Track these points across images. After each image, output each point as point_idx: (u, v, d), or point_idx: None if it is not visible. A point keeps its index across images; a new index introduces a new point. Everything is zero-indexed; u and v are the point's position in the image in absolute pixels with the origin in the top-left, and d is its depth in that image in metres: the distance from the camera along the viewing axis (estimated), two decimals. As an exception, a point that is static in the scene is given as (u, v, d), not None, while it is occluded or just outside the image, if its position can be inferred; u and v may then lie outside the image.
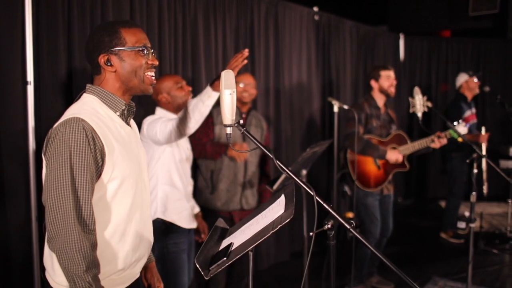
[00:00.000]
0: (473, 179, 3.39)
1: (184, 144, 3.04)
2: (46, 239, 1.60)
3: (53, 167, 1.56)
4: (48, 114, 2.82)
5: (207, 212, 3.51)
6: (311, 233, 1.54)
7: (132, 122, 1.92)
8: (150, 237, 1.91)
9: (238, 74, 3.63)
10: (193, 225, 3.03)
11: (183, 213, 2.95)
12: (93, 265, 1.57)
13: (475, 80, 5.32)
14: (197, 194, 3.60)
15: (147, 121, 2.85)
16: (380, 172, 3.97)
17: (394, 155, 3.88)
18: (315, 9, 5.22)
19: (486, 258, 4.82)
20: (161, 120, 2.74)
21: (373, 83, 4.02)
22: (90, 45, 1.74)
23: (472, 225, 3.40)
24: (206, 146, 3.41)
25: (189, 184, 3.10)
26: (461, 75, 5.45)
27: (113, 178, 1.67)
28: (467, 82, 5.34)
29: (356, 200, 3.98)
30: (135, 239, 1.77)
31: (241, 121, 1.70)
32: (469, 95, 5.37)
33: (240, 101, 3.60)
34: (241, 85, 3.56)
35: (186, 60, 3.75)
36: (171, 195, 2.89)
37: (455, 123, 3.76)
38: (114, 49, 1.72)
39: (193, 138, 3.39)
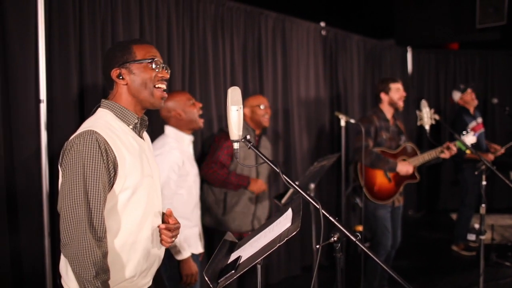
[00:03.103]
0: (482, 191, 3.38)
1: (193, 169, 2.98)
2: (60, 245, 1.66)
3: (68, 177, 1.65)
4: (60, 131, 2.87)
5: (217, 232, 3.51)
6: (317, 246, 1.56)
7: (145, 134, 1.99)
8: (161, 246, 1.95)
9: (253, 96, 3.68)
10: (201, 248, 3.01)
11: (195, 239, 2.94)
12: (103, 271, 1.63)
13: (469, 92, 5.34)
14: (206, 213, 3.56)
15: (160, 156, 2.80)
16: (391, 184, 3.98)
17: (405, 167, 3.88)
18: (322, 24, 5.26)
19: (498, 271, 4.77)
20: (171, 182, 2.76)
21: (383, 96, 4.04)
22: (105, 62, 1.85)
23: (482, 237, 3.39)
24: (230, 177, 3.39)
25: (199, 208, 3.07)
26: (454, 93, 5.51)
27: (125, 188, 1.74)
28: (462, 98, 5.38)
29: (367, 212, 3.99)
30: (146, 247, 1.82)
31: (248, 137, 1.74)
32: (470, 107, 5.39)
33: (258, 124, 3.64)
34: (261, 107, 3.60)
35: (195, 76, 3.80)
36: (187, 225, 2.87)
37: (464, 132, 3.76)
38: (125, 63, 1.81)
39: (214, 165, 3.37)
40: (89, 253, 1.60)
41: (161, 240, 1.92)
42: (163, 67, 1.86)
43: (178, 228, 1.95)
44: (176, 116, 2.93)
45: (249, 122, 3.63)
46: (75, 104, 2.99)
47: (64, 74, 2.93)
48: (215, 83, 3.98)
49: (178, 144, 2.89)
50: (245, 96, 3.68)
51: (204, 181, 3.52)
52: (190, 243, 2.89)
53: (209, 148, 3.62)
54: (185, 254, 2.77)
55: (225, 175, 3.38)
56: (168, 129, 2.97)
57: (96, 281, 1.61)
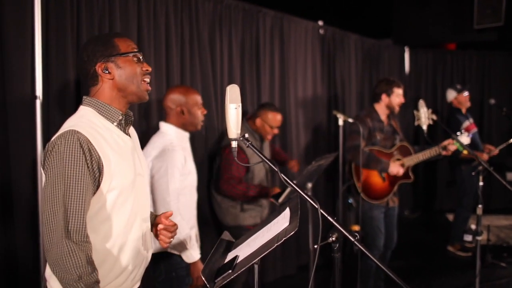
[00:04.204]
0: (479, 192, 3.37)
1: (193, 168, 2.91)
2: (44, 250, 1.62)
3: (49, 179, 1.59)
4: (56, 128, 2.83)
5: (237, 229, 3.54)
6: (315, 246, 1.55)
7: (131, 130, 1.94)
8: (150, 245, 1.93)
9: (273, 112, 3.74)
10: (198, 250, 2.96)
11: (194, 240, 2.89)
12: (87, 274, 1.58)
13: (465, 94, 5.38)
14: (218, 213, 3.68)
15: (157, 158, 2.71)
16: (385, 184, 3.97)
17: (396, 168, 3.88)
18: (320, 23, 5.25)
19: (494, 272, 4.78)
20: (173, 181, 2.68)
21: (384, 96, 4.02)
22: (85, 56, 1.77)
23: (478, 238, 3.38)
24: (249, 191, 3.48)
25: (195, 208, 3.00)
26: (449, 91, 5.52)
27: (112, 188, 1.69)
28: (457, 98, 5.41)
29: (361, 212, 3.97)
30: (135, 247, 1.79)
31: (246, 135, 1.72)
32: (463, 108, 5.41)
33: (261, 135, 3.74)
34: (274, 129, 3.72)
35: (193, 74, 3.79)
36: (186, 228, 2.81)
37: (458, 133, 3.76)
38: (111, 56, 1.75)
39: (232, 181, 3.46)
40: (69, 257, 1.55)
41: (159, 241, 1.90)
42: (143, 60, 1.84)
43: (176, 228, 1.93)
44: (179, 113, 2.84)
45: (254, 128, 3.74)
46: (72, 100, 2.96)
47: (61, 70, 2.91)
48: (213, 80, 3.96)
49: (178, 142, 2.81)
50: (243, 95, 3.67)
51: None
52: (191, 244, 2.83)
53: (220, 159, 3.63)
54: (196, 256, 2.73)
55: (244, 189, 3.48)
56: (166, 126, 2.86)
57: (79, 283, 1.56)
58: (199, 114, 2.89)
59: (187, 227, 2.72)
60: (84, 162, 1.60)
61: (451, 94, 5.48)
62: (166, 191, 2.65)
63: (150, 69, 1.84)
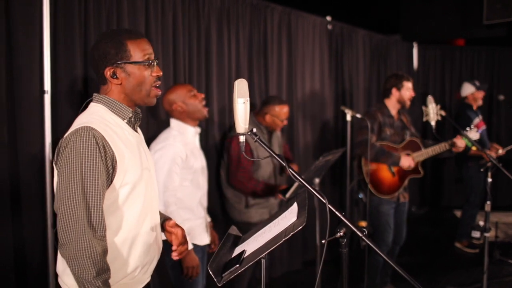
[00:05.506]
0: (487, 188, 3.36)
1: (198, 161, 2.95)
2: (58, 245, 1.62)
3: (64, 175, 1.60)
4: (65, 123, 2.86)
5: (241, 225, 3.54)
6: (323, 241, 1.55)
7: (138, 129, 1.95)
8: (160, 239, 1.94)
9: (280, 105, 3.70)
10: (207, 239, 3.02)
11: (200, 230, 2.95)
12: (103, 271, 1.60)
13: (482, 91, 5.34)
14: (227, 208, 3.69)
15: (159, 152, 2.80)
16: (395, 178, 3.96)
17: (407, 162, 3.87)
18: (328, 18, 5.23)
19: (501, 269, 4.75)
20: (173, 176, 2.76)
21: (394, 91, 4.00)
22: (96, 55, 1.75)
23: (486, 234, 3.37)
24: (257, 187, 3.49)
25: (205, 199, 3.07)
26: (467, 86, 5.45)
27: (125, 183, 1.70)
28: (473, 94, 5.36)
29: (370, 207, 3.97)
30: (146, 243, 1.80)
31: (254, 130, 1.72)
32: (474, 105, 5.38)
33: (271, 128, 3.73)
34: (283, 121, 3.69)
35: (200, 69, 3.79)
36: (191, 218, 2.88)
37: (467, 128, 3.74)
38: (120, 62, 1.73)
39: (242, 178, 3.49)
40: (88, 253, 1.56)
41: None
42: (157, 63, 1.81)
43: (182, 232, 1.93)
44: (177, 109, 2.92)
45: (263, 123, 3.71)
46: (80, 95, 2.97)
47: (69, 65, 2.92)
48: (220, 76, 3.95)
49: (181, 137, 2.88)
50: (251, 90, 3.66)
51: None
52: (194, 234, 2.89)
53: (227, 154, 3.61)
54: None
55: (253, 187, 3.49)
56: (173, 122, 2.96)
57: (96, 281, 1.57)
58: (195, 101, 2.94)
59: (181, 219, 2.79)
60: (99, 159, 1.61)
61: (468, 89, 5.41)
62: (161, 183, 2.73)
63: (161, 73, 1.81)
